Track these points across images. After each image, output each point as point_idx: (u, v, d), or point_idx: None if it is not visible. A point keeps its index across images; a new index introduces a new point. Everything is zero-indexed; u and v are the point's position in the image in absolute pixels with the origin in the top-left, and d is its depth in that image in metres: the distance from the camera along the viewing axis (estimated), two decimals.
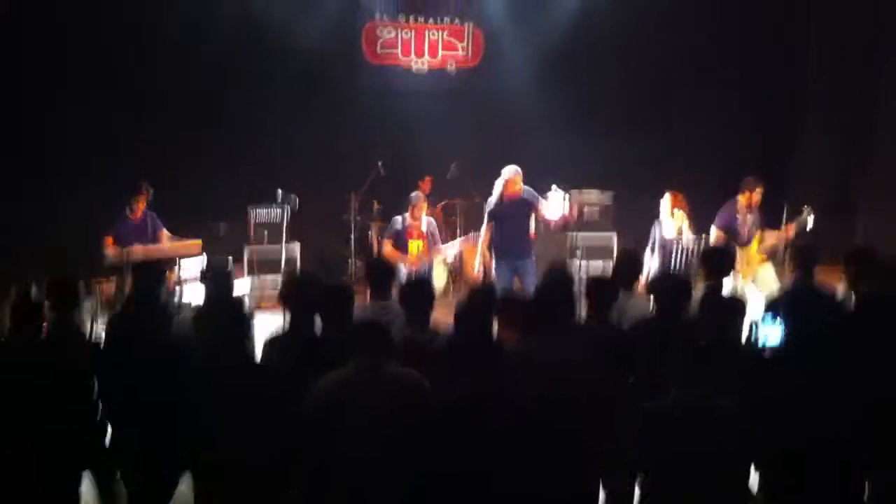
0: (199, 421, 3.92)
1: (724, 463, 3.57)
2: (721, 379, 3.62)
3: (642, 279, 7.69)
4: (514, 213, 8.13)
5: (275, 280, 9.34)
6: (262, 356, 4.49)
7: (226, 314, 4.09)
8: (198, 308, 4.68)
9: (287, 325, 4.72)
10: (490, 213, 8.21)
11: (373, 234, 10.44)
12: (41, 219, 9.44)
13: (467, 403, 3.70)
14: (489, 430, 3.66)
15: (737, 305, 4.86)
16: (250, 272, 9.70)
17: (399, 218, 9.06)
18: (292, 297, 4.73)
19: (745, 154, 11.07)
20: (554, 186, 8.23)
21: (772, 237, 8.16)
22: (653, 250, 8.17)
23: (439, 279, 9.74)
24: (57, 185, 9.61)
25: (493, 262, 8.23)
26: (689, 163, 10.96)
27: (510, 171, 8.06)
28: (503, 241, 8.16)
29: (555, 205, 8.19)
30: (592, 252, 9.61)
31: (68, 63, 9.91)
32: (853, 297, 5.25)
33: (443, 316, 4.94)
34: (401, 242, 8.90)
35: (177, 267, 7.65)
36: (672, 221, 8.09)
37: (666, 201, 8.17)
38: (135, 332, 4.39)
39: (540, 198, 8.18)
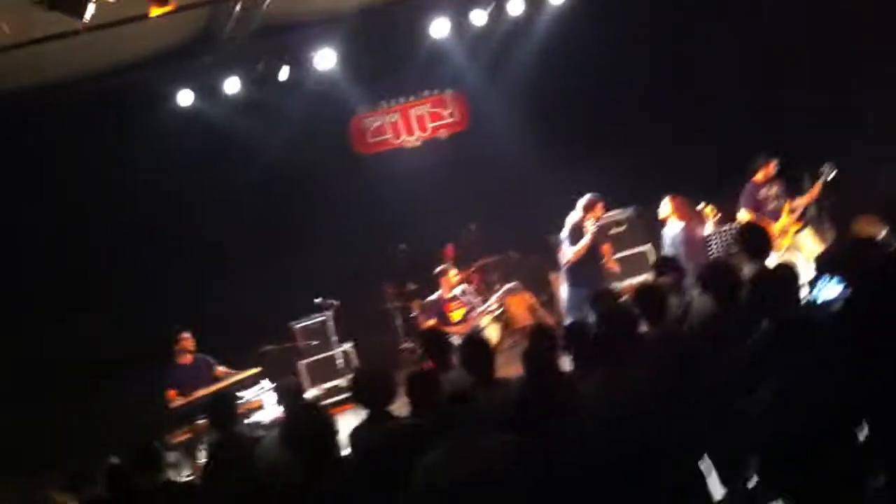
0: None
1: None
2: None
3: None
4: (597, 241, 8.17)
5: (336, 386, 9.43)
6: (350, 447, 4.56)
7: (314, 423, 4.12)
8: (281, 425, 4.72)
9: (366, 420, 4.79)
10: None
11: (417, 314, 10.52)
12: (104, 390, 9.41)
13: (546, 455, 3.67)
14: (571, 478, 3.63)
15: (788, 273, 4.83)
16: (311, 384, 9.79)
17: (433, 296, 9.21)
18: (367, 392, 4.80)
19: (750, 140, 11.08)
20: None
21: (801, 202, 8.20)
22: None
23: (492, 334, 9.76)
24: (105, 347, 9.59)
25: (571, 287, 8.19)
26: (692, 165, 10.94)
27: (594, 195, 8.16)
28: (593, 265, 8.16)
29: None
30: (631, 268, 9.64)
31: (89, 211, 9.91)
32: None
33: (506, 369, 4.97)
34: (443, 317, 9.03)
35: (240, 398, 7.74)
36: (678, 221, 8.16)
37: (665, 205, 8.26)
38: (229, 470, 4.44)
39: None
